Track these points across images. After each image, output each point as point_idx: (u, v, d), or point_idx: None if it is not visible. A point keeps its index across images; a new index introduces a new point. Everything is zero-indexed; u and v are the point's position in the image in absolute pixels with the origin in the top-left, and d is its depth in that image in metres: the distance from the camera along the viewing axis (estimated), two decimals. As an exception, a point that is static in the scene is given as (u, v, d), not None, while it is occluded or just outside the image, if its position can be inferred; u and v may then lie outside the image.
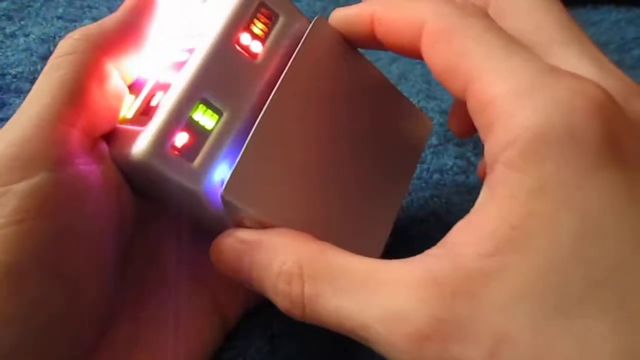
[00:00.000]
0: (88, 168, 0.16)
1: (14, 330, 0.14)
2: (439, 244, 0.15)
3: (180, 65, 0.17)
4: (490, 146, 0.15)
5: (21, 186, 0.15)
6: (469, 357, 0.13)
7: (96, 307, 0.17)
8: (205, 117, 0.17)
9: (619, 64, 0.37)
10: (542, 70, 0.15)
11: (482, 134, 0.15)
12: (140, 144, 0.16)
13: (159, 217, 0.20)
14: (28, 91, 0.27)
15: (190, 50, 0.17)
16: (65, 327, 0.16)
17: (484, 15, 0.16)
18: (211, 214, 0.17)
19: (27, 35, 0.30)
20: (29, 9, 0.32)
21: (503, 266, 0.13)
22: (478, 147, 0.30)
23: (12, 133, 0.15)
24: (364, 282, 0.15)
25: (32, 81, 0.28)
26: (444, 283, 0.14)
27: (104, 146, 0.17)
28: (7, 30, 0.30)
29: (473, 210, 0.15)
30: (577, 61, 0.16)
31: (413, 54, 0.18)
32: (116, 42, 0.17)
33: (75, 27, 0.32)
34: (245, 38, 0.18)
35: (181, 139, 0.16)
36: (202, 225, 0.19)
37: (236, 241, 0.17)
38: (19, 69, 0.28)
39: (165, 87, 0.17)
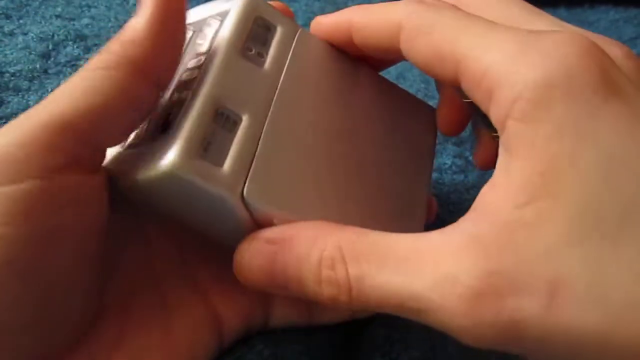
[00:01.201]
0: (79, 178, 0.16)
1: None
2: (469, 210, 0.15)
3: (189, 82, 0.17)
4: (496, 110, 0.15)
5: (6, 190, 0.14)
6: (527, 307, 0.13)
7: (73, 314, 0.16)
8: (226, 124, 0.17)
9: (617, 63, 0.37)
10: (526, 33, 0.16)
11: (483, 105, 0.16)
12: (168, 156, 0.16)
13: (157, 219, 0.20)
14: (26, 89, 0.28)
15: (198, 67, 0.18)
16: (36, 333, 0.15)
17: (455, 7, 0.17)
18: (234, 223, 0.17)
19: (25, 34, 0.30)
20: (28, 7, 0.32)
21: (541, 212, 0.14)
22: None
23: (13, 133, 0.15)
24: (407, 254, 0.15)
25: (31, 79, 0.28)
26: (487, 240, 0.14)
27: (102, 155, 0.17)
28: (6, 29, 0.30)
29: (495, 173, 0.15)
30: (548, 28, 0.17)
31: (392, 55, 0.18)
32: (152, 59, 0.16)
33: (74, 26, 0.32)
34: (249, 48, 0.18)
35: (206, 146, 0.16)
36: (217, 239, 0.19)
37: (264, 243, 0.17)
38: (18, 67, 0.28)
39: (179, 103, 0.17)
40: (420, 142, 0.22)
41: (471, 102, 0.17)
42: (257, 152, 0.17)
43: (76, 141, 0.15)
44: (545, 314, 0.13)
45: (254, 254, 0.17)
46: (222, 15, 0.19)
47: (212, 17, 0.20)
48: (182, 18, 0.17)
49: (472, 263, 0.14)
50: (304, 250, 0.16)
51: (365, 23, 0.19)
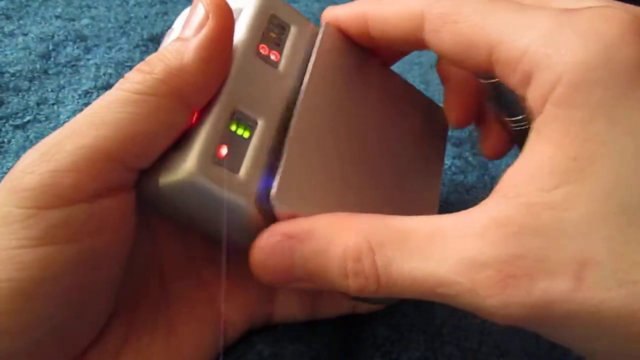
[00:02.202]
0: (118, 199, 0.16)
1: (12, 341, 0.14)
2: (493, 192, 0.15)
3: None
4: (534, 94, 0.15)
5: (52, 213, 0.14)
6: (556, 286, 0.13)
7: (96, 319, 0.17)
8: (241, 128, 0.17)
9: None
10: (558, 12, 0.15)
11: (520, 89, 0.16)
12: (185, 162, 0.15)
13: (166, 219, 0.20)
14: (26, 89, 0.28)
15: None
16: (63, 337, 0.16)
17: None
18: (249, 229, 0.17)
19: (25, 35, 0.30)
20: (28, 8, 0.32)
21: (569, 196, 0.14)
22: (475, 147, 0.30)
23: (61, 159, 0.15)
24: (431, 239, 0.15)
25: (31, 80, 0.28)
26: (514, 222, 0.14)
27: (137, 176, 0.16)
28: (6, 30, 0.30)
29: (521, 156, 0.15)
30: (579, 2, 0.16)
31: (411, 46, 0.18)
32: (198, 89, 0.16)
33: (74, 26, 0.32)
34: (264, 49, 0.18)
35: (223, 152, 0.16)
36: (229, 243, 0.19)
37: (282, 237, 0.16)
38: (18, 68, 0.28)
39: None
40: (432, 138, 0.22)
41: (491, 84, 0.17)
42: (284, 154, 0.17)
43: (119, 167, 0.15)
44: (572, 294, 0.13)
45: (271, 250, 0.16)
46: (236, 13, 0.19)
47: None
48: (231, 44, 0.17)
49: (498, 246, 0.14)
50: (324, 243, 0.16)
51: (383, 14, 0.18)
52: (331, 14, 0.20)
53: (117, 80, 0.29)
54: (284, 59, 0.18)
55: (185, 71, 0.16)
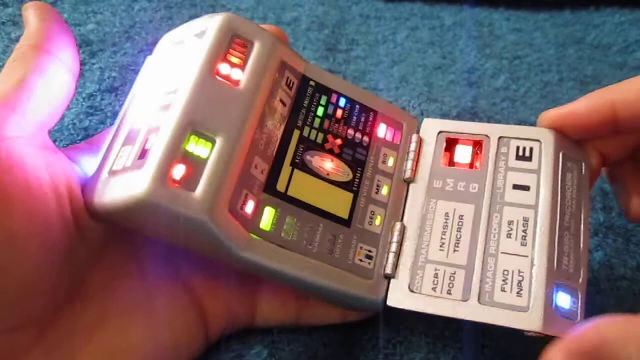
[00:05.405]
0: (27, 149, 0.17)
1: None
2: None
3: (167, 107, 0.18)
4: None
5: None
6: None
7: (49, 291, 0.17)
8: (199, 147, 0.17)
9: (622, 66, 0.37)
10: None
11: None
12: (140, 183, 0.16)
13: None
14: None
15: (174, 92, 0.18)
16: (13, 307, 0.16)
17: None
18: (214, 244, 0.17)
19: (32, 39, 0.30)
20: (34, 13, 0.33)
21: None
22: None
23: None
24: None
25: (37, 84, 0.28)
26: None
27: (51, 144, 0.18)
28: (13, 35, 0.31)
29: None
30: None
31: None
32: (46, 41, 0.19)
33: (79, 31, 0.32)
34: (224, 68, 0.19)
35: (179, 171, 0.17)
36: (204, 256, 0.19)
37: (582, 357, 0.17)
38: (24, 73, 0.28)
39: (156, 129, 0.18)
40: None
41: None
42: (230, 174, 0.17)
43: (12, 113, 0.17)
44: None
45: None
46: (200, 36, 0.19)
47: (190, 37, 0.20)
48: (56, 16, 0.20)
49: None
50: (621, 353, 0.16)
51: (633, 94, 0.19)
52: (564, 111, 0.20)
53: (121, 84, 0.29)
54: (245, 76, 0.19)
55: (34, 32, 0.19)
